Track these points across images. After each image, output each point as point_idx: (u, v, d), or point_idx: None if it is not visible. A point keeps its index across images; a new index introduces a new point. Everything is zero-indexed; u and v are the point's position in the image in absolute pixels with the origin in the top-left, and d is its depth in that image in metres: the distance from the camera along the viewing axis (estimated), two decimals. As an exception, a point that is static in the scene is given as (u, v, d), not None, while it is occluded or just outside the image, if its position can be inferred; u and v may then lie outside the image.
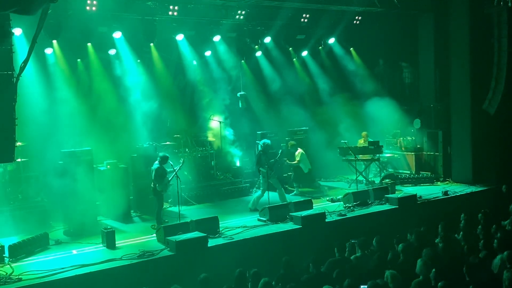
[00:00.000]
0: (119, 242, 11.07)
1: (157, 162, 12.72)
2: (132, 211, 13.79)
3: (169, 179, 12.80)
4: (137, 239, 11.61)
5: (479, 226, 10.76)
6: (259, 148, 14.39)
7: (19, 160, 12.59)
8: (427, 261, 7.91)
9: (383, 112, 17.39)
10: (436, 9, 17.24)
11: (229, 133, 17.35)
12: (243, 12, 15.69)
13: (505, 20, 15.73)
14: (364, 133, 17.57)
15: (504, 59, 15.98)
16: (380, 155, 17.14)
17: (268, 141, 14.63)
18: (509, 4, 10.08)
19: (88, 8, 13.01)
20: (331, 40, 19.03)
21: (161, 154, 12.91)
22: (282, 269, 8.85)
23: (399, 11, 17.26)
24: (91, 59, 15.28)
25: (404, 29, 18.20)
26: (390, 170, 17.66)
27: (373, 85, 18.88)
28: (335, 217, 12.80)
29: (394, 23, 17.98)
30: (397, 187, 15.84)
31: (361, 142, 17.54)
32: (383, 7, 16.94)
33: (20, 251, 10.35)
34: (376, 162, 17.22)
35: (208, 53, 17.57)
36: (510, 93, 16.09)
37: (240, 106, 17.48)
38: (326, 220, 12.48)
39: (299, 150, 16.16)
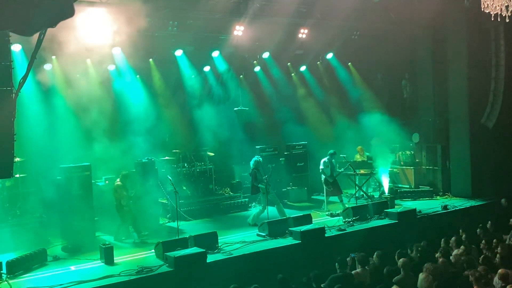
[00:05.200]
0: (117, 258, 11.00)
1: (118, 180, 13.02)
2: (130, 226, 13.71)
3: (131, 195, 13.02)
4: (135, 255, 11.52)
5: (483, 241, 10.71)
6: (251, 166, 14.39)
7: (17, 175, 12.59)
8: (428, 275, 7.87)
9: (381, 126, 17.40)
10: (434, 24, 17.34)
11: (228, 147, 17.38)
12: (242, 28, 15.77)
13: (502, 35, 15.84)
14: (359, 148, 17.57)
15: (501, 74, 16.07)
16: (379, 169, 17.13)
17: (259, 158, 14.63)
18: (506, 19, 10.12)
19: (87, 23, 13.06)
20: (329, 55, 19.11)
21: (123, 172, 13.13)
22: (278, 288, 8.80)
23: (397, 26, 17.38)
24: (90, 74, 15.30)
25: (402, 43, 18.28)
26: (389, 184, 17.64)
27: (372, 99, 18.93)
28: (334, 232, 12.74)
29: (392, 38, 18.06)
30: (397, 201, 15.83)
31: (358, 157, 17.56)
32: (381, 22, 17.07)
33: (18, 267, 10.28)
34: (375, 176, 17.19)
35: (207, 68, 17.65)
36: (508, 107, 16.15)
37: (238, 121, 17.53)
38: (326, 235, 12.43)
39: None
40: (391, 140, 17.74)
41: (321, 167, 15.75)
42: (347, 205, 15.64)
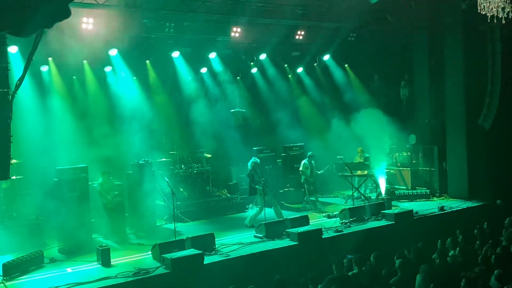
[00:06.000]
0: (114, 260, 10.98)
1: (100, 178, 13.05)
2: (127, 228, 13.70)
3: (116, 193, 13.03)
4: (132, 257, 11.50)
5: (477, 242, 10.74)
6: (249, 167, 14.41)
7: (14, 177, 12.54)
8: (426, 276, 7.88)
9: (378, 127, 17.40)
10: (430, 26, 17.38)
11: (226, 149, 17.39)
12: (239, 29, 15.80)
13: (498, 36, 15.88)
14: (359, 149, 17.59)
15: (498, 75, 16.08)
16: (376, 170, 17.14)
17: (257, 160, 14.65)
18: (503, 21, 10.16)
19: (84, 25, 13.08)
20: (326, 57, 19.13)
21: (103, 170, 13.19)
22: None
23: (393, 28, 17.42)
24: (87, 76, 15.32)
25: (398, 45, 18.33)
26: (386, 185, 17.65)
27: (369, 101, 18.92)
28: (331, 233, 12.73)
29: (389, 40, 18.10)
30: (393, 202, 15.84)
31: (357, 158, 17.58)
32: (377, 24, 17.11)
33: (14, 269, 10.25)
34: (372, 177, 17.21)
35: (204, 70, 17.66)
36: (505, 109, 16.18)
37: (234, 122, 17.54)
38: (323, 236, 12.41)
39: None
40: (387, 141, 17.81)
41: (301, 168, 16.21)
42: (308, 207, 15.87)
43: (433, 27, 17.29)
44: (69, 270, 10.77)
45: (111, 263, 10.82)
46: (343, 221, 13.70)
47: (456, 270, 9.04)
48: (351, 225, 13.40)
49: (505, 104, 16.15)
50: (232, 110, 17.76)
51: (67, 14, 3.93)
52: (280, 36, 16.72)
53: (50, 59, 14.12)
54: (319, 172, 16.36)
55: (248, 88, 18.71)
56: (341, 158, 16.55)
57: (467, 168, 16.44)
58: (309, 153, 16.43)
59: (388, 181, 17.61)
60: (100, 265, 10.77)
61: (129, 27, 14.08)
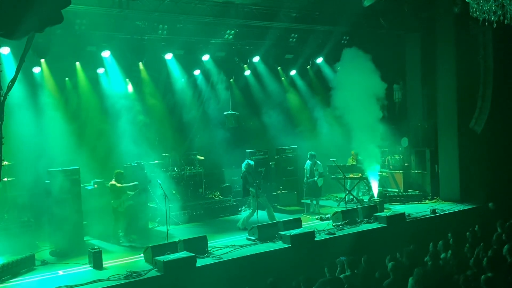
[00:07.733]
0: (106, 263, 10.94)
1: (113, 180, 13.04)
2: (119, 231, 13.66)
3: (128, 197, 13.04)
4: (124, 259, 11.47)
5: (467, 245, 10.77)
6: (243, 169, 14.41)
7: (5, 179, 12.48)
8: (419, 279, 7.89)
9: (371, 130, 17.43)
10: (423, 29, 17.48)
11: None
12: (232, 32, 15.82)
13: (490, 39, 15.98)
14: (353, 152, 17.62)
15: (490, 78, 16.18)
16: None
17: (251, 162, 14.66)
18: (494, 25, 10.23)
19: (76, 27, 13.05)
20: (319, 60, 19.16)
21: (118, 171, 13.25)
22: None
23: (386, 31, 17.50)
24: (80, 78, 15.28)
25: (391, 48, 18.39)
26: (378, 188, 17.70)
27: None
28: (324, 236, 12.74)
29: (382, 43, 18.16)
30: (386, 205, 15.85)
31: (350, 161, 17.61)
32: (370, 27, 17.18)
33: (5, 272, 10.17)
34: (365, 180, 17.25)
35: (197, 72, 17.65)
36: (497, 112, 16.27)
37: (227, 125, 17.53)
38: (316, 239, 12.43)
39: None
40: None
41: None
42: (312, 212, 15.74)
43: (425, 30, 17.39)
44: (60, 272, 10.71)
45: (103, 265, 10.78)
46: (336, 223, 13.72)
47: (448, 273, 9.07)
48: (344, 228, 13.42)
49: (497, 107, 16.26)
50: (225, 113, 17.77)
51: (59, 19, 3.93)
52: (273, 38, 16.76)
53: (42, 60, 14.06)
54: (314, 178, 16.11)
55: (241, 91, 18.72)
56: (333, 160, 16.58)
57: (459, 171, 16.51)
58: (308, 154, 16.09)
59: (381, 184, 17.63)
60: (92, 268, 10.72)
61: (122, 29, 14.08)
